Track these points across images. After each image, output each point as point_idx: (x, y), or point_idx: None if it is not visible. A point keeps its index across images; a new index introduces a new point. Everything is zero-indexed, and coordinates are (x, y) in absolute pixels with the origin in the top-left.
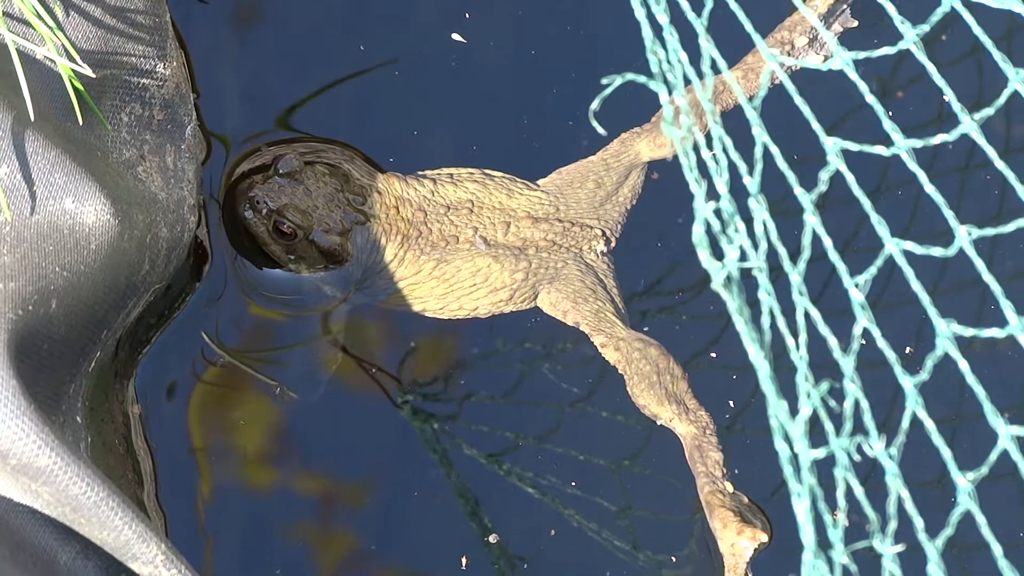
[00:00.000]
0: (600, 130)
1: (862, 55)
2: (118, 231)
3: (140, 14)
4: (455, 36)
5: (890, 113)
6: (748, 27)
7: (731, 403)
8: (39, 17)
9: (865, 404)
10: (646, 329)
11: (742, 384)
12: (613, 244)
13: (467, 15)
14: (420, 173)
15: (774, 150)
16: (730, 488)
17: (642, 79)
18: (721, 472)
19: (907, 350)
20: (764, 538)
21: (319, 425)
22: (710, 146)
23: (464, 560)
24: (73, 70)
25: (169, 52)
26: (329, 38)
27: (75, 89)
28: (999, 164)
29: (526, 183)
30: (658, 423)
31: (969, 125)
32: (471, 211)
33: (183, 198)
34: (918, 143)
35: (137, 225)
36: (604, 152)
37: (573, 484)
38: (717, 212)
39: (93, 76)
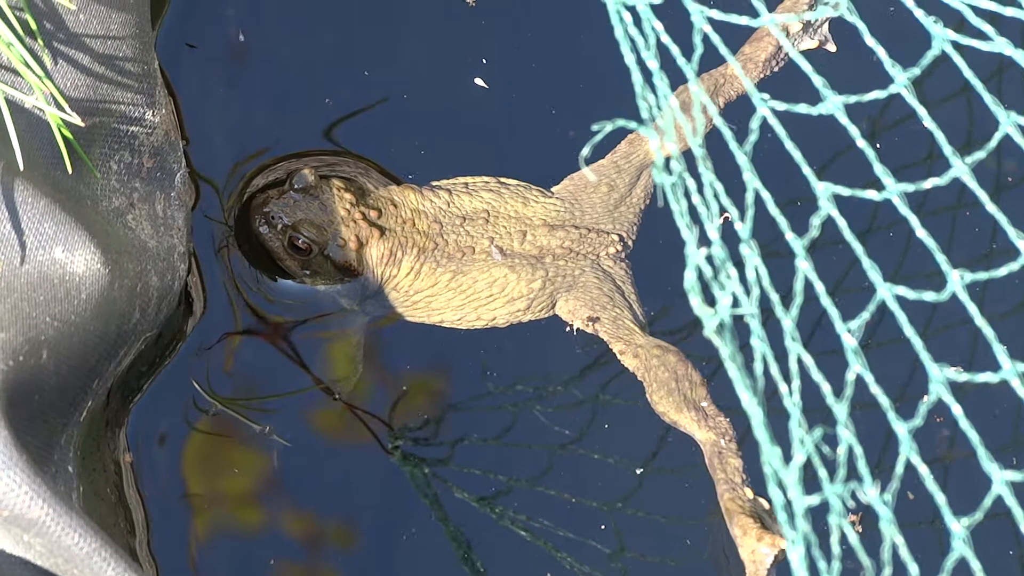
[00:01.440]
0: (591, 177)
1: (852, 99)
2: (108, 280)
3: (129, 61)
4: (478, 81)
5: (878, 145)
6: (738, 71)
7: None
8: (27, 66)
9: (859, 450)
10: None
11: (735, 425)
12: (630, 246)
13: (484, 60)
14: (435, 184)
15: (765, 195)
16: (750, 494)
17: (632, 124)
18: (741, 478)
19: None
20: (784, 544)
21: (311, 470)
22: (700, 190)
23: None
24: (62, 119)
25: (158, 99)
26: (317, 78)
27: (64, 138)
28: (990, 208)
29: (541, 190)
30: (679, 430)
31: (960, 169)
32: (487, 221)
33: (173, 246)
34: (909, 187)
35: (127, 274)
36: (613, 155)
37: (565, 527)
38: (709, 258)
39: (82, 125)
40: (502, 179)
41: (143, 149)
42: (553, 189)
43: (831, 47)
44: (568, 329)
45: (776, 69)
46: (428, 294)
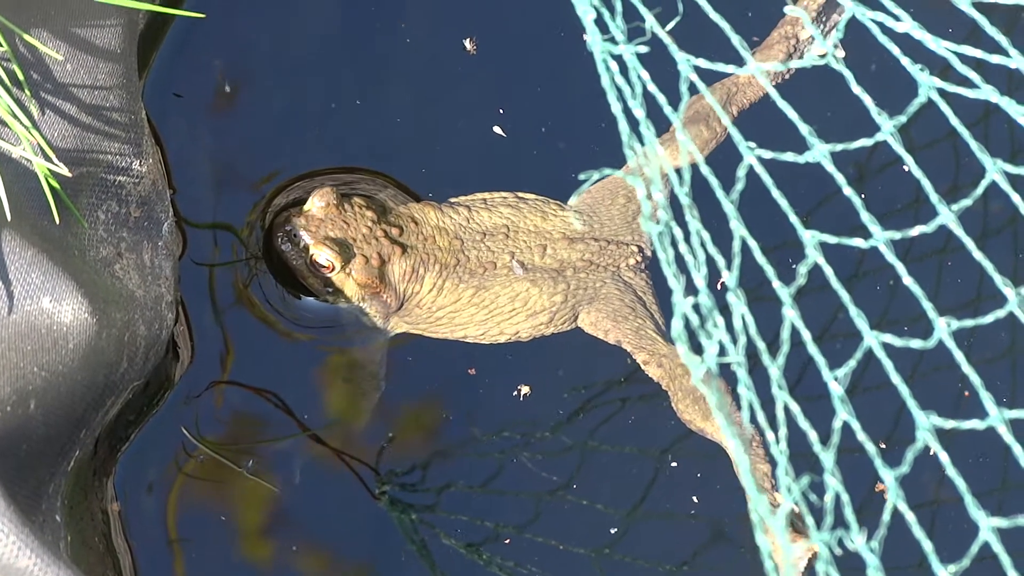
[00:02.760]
0: (578, 226)
1: (839, 147)
2: (96, 330)
3: (116, 111)
4: (496, 129)
5: (863, 195)
6: (727, 121)
7: (695, 499)
8: (14, 116)
9: (846, 497)
10: (632, 419)
11: (721, 470)
12: (649, 257)
13: (500, 110)
14: (453, 200)
15: (752, 243)
16: (780, 499)
17: (619, 173)
18: (770, 484)
19: (881, 445)
20: (817, 547)
21: (299, 515)
22: (687, 239)
23: None
24: (49, 169)
25: (145, 149)
26: (303, 125)
27: (51, 188)
28: (977, 255)
29: (559, 204)
30: (706, 437)
31: (947, 216)
32: (507, 236)
33: (161, 295)
34: (896, 235)
35: (115, 323)
36: (628, 167)
37: (553, 574)
38: (696, 307)
39: (69, 175)
40: (520, 194)
41: (130, 199)
42: (571, 202)
43: (840, 52)
44: (516, 393)
45: (787, 77)
46: (451, 310)
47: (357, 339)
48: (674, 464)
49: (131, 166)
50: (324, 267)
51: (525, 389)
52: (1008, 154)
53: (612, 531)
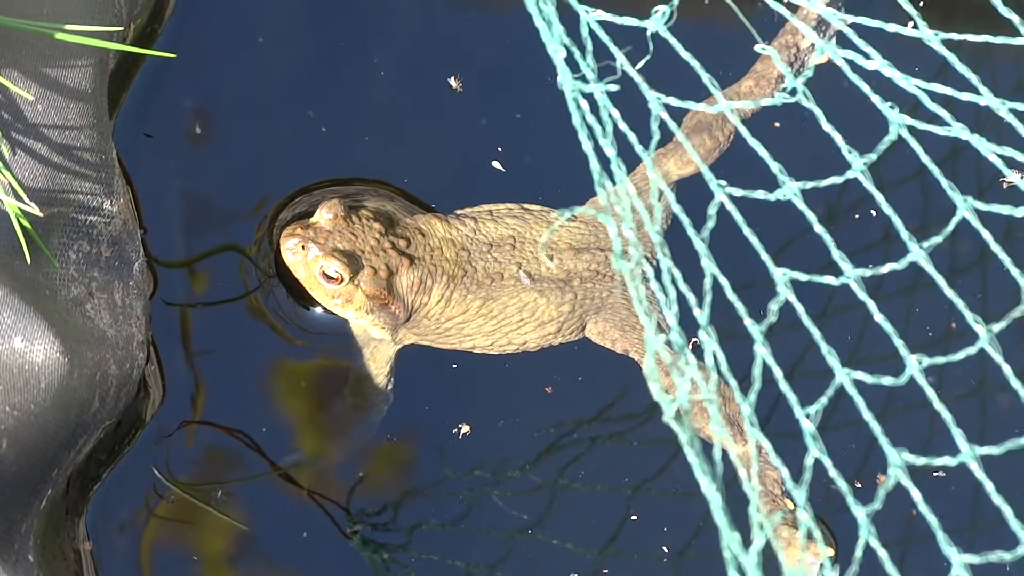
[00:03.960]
0: (549, 264)
1: (809, 185)
2: (67, 369)
3: (87, 151)
4: (495, 164)
5: (833, 227)
6: (694, 156)
7: (665, 548)
8: None
9: (818, 534)
10: (601, 458)
11: (692, 509)
12: (655, 266)
13: (499, 148)
14: (459, 212)
15: (723, 281)
16: (791, 505)
17: (591, 211)
18: (781, 490)
19: (857, 485)
20: (830, 552)
21: (270, 555)
22: (659, 276)
23: None
24: (20, 209)
25: (116, 189)
26: (272, 163)
27: (22, 228)
28: (948, 292)
29: (561, 214)
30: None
31: (918, 253)
32: (513, 247)
33: (132, 335)
34: (867, 272)
35: (87, 363)
36: (633, 176)
37: None
38: (668, 343)
39: (40, 215)
40: (525, 205)
41: (101, 238)
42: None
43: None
44: (454, 432)
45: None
46: (459, 321)
47: (365, 351)
48: (634, 517)
49: (102, 206)
50: (333, 279)
51: (465, 428)
52: (976, 191)
53: (583, 568)
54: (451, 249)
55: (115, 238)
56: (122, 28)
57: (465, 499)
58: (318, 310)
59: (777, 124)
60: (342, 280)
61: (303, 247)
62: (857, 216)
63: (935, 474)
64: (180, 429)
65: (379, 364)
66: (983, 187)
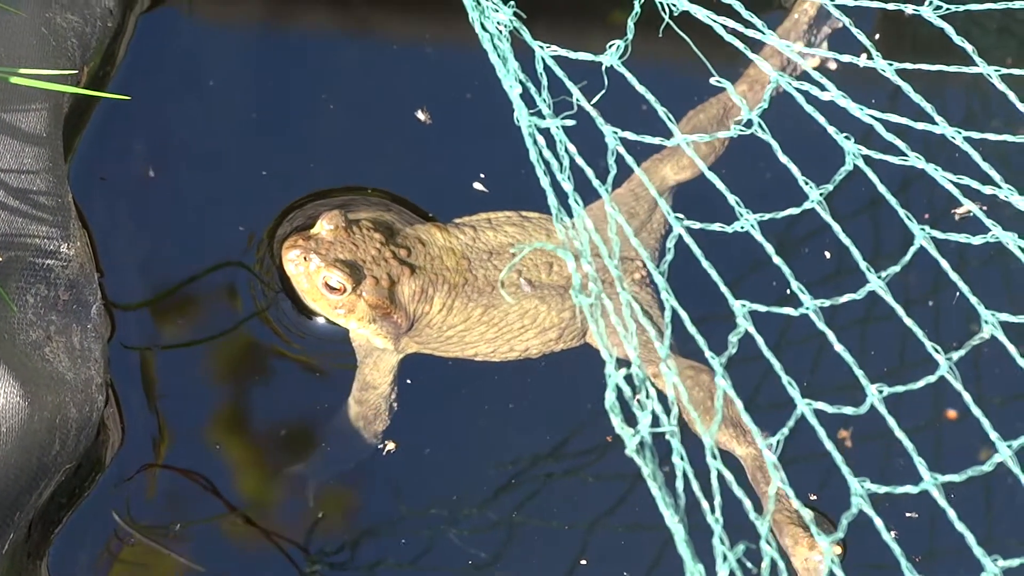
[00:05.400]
0: (508, 299)
1: (767, 216)
2: (28, 413)
3: (43, 195)
4: (477, 186)
5: (785, 258)
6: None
7: None
8: None
9: (782, 564)
10: (557, 493)
11: (649, 543)
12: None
13: (482, 175)
14: (458, 221)
15: (683, 314)
16: (796, 504)
17: (550, 247)
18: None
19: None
20: (837, 550)
21: None
22: (618, 310)
23: None
24: None
25: (72, 232)
26: (223, 212)
27: None
28: (908, 322)
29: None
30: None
31: (875, 282)
32: (513, 254)
33: (91, 377)
34: (826, 303)
35: (46, 406)
36: (630, 183)
37: None
38: (628, 378)
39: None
40: (523, 213)
41: (59, 282)
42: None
43: (832, 65)
44: (379, 448)
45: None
46: (461, 329)
47: (368, 360)
48: (584, 562)
49: (59, 249)
50: (336, 289)
51: (391, 446)
52: (930, 220)
53: None
54: (451, 258)
55: (72, 281)
56: (76, 72)
57: (423, 537)
58: (320, 320)
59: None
60: (345, 290)
61: (305, 258)
62: (807, 249)
63: (907, 515)
64: (140, 473)
65: (382, 373)
66: (936, 217)
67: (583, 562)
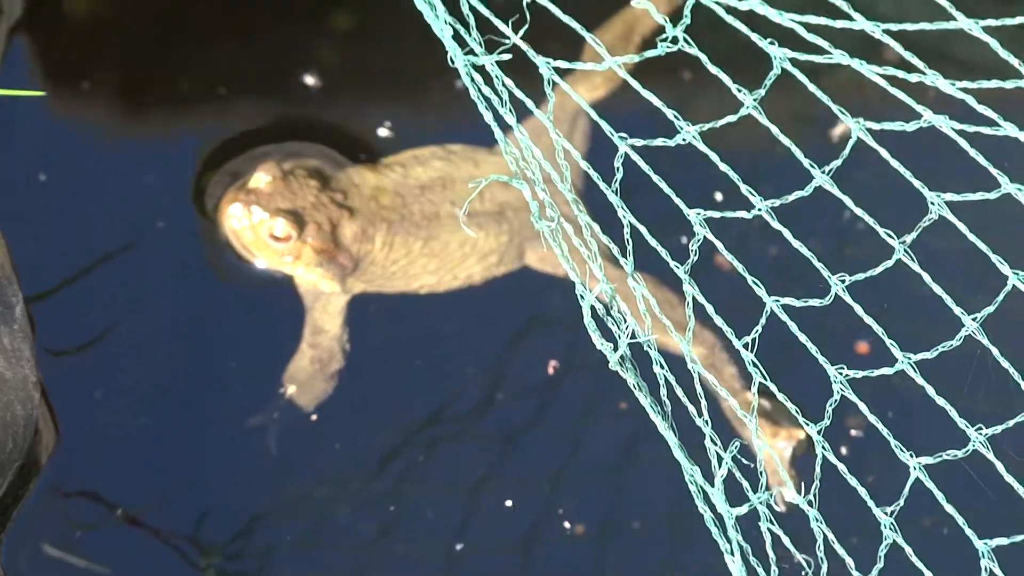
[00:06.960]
0: (471, 234)
1: (707, 126)
2: None
3: None
4: (381, 132)
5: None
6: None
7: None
8: None
9: (776, 456)
10: (439, 460)
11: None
12: (581, 190)
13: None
14: (386, 161)
15: (642, 228)
16: (751, 397)
17: (504, 178)
18: (739, 383)
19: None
20: (801, 435)
21: None
22: (578, 232)
23: None
24: None
25: None
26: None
27: None
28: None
29: (488, 149)
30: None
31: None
32: (444, 187)
33: (26, 376)
34: (776, 202)
35: None
36: (543, 108)
37: None
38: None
39: None
40: (448, 146)
41: None
42: (498, 147)
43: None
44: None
45: None
46: (404, 263)
47: (317, 304)
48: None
49: None
50: (281, 238)
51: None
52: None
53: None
54: (386, 196)
55: None
56: None
57: (313, 517)
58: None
59: None
60: (290, 238)
61: (248, 211)
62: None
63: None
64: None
65: (332, 316)
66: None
67: (508, 503)
